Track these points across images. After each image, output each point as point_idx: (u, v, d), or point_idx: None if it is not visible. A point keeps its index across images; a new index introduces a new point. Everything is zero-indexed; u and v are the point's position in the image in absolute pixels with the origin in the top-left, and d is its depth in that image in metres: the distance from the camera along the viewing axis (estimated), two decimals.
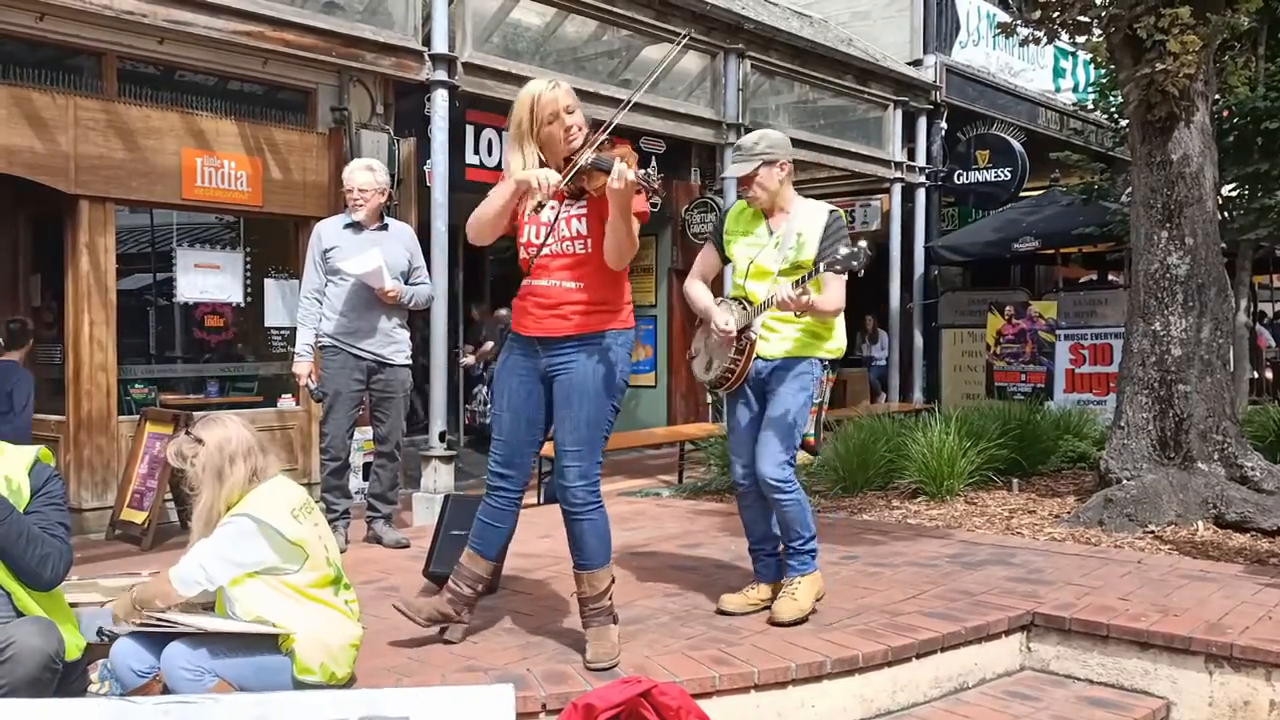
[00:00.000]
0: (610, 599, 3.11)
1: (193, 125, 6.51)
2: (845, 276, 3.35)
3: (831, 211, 3.50)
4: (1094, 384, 9.36)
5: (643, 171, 2.80)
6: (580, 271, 3.01)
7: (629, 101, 3.06)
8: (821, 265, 3.27)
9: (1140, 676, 3.39)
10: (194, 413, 6.17)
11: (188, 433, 2.80)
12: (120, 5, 5.54)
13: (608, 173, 2.82)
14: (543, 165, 2.98)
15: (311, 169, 7.04)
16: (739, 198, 3.65)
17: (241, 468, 2.73)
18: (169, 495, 6.09)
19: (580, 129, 3.00)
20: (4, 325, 6.12)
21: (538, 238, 3.05)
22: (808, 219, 3.47)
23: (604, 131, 2.99)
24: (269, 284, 7.08)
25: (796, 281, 3.28)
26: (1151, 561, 4.35)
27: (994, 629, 3.50)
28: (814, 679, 3.07)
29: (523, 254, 3.09)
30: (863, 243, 3.33)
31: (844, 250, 3.24)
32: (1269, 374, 11.53)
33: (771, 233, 3.51)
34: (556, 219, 3.03)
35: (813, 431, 3.53)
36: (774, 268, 3.44)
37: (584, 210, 3.03)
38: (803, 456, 3.65)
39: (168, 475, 5.91)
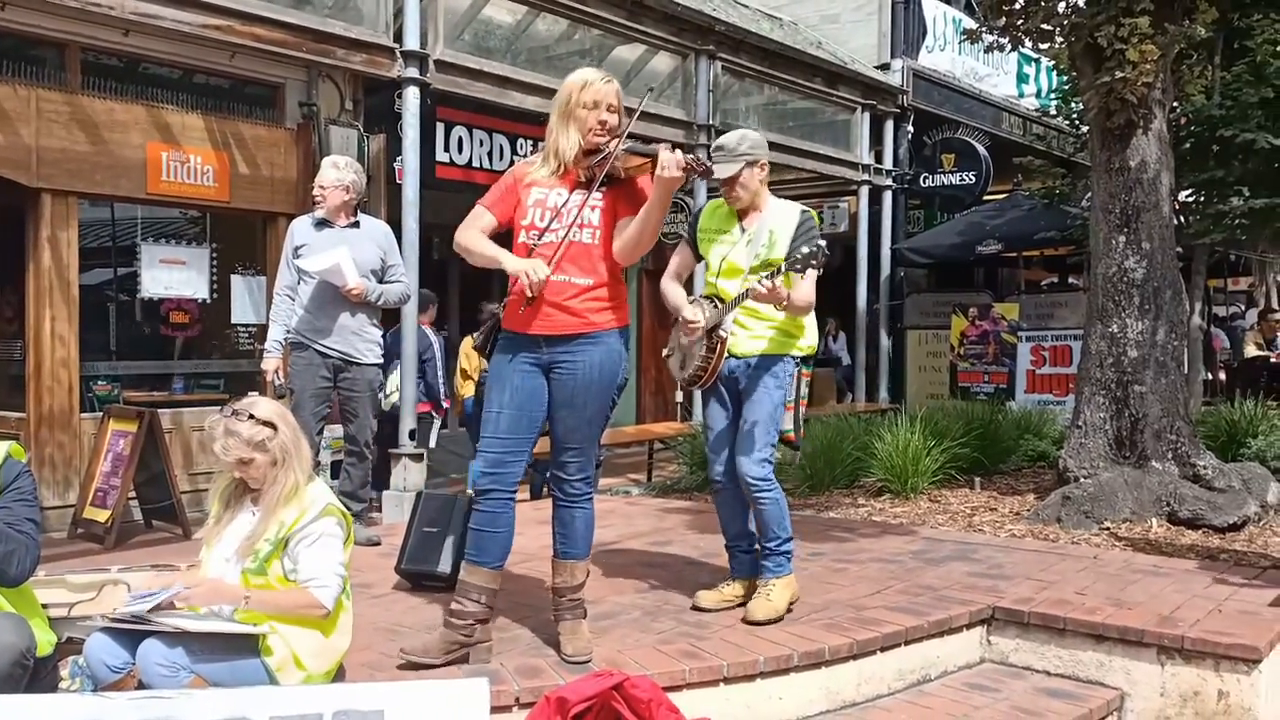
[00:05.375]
0: (582, 593, 3.14)
1: (158, 119, 6.44)
2: (814, 274, 3.41)
3: (804, 211, 3.56)
4: (1054, 385, 9.55)
5: (690, 156, 2.78)
6: (587, 265, 2.96)
7: (638, 110, 3.10)
8: (784, 265, 3.31)
9: (1095, 668, 3.49)
10: (159, 410, 6.13)
11: (236, 413, 2.62)
12: None
13: (647, 155, 2.80)
14: (584, 149, 2.94)
15: (279, 164, 6.99)
16: (717, 198, 3.68)
17: (304, 441, 2.70)
18: (132, 494, 6.02)
19: (612, 131, 2.97)
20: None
21: (542, 220, 2.95)
22: (780, 218, 3.52)
23: (628, 127, 2.97)
24: (236, 280, 7.01)
25: (770, 274, 3.31)
26: (1107, 557, 4.47)
27: (955, 623, 3.58)
28: (781, 672, 3.13)
29: (523, 237, 2.99)
30: (822, 241, 3.39)
31: (804, 249, 3.29)
32: (1222, 375, 11.81)
33: (744, 231, 3.55)
34: (566, 203, 2.95)
35: (792, 427, 3.58)
36: (745, 265, 3.49)
37: (600, 201, 2.97)
38: (786, 452, 3.70)
39: (131, 473, 5.85)
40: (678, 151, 2.80)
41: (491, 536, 3.04)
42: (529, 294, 2.87)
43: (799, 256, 3.28)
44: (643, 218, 2.91)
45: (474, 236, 3.03)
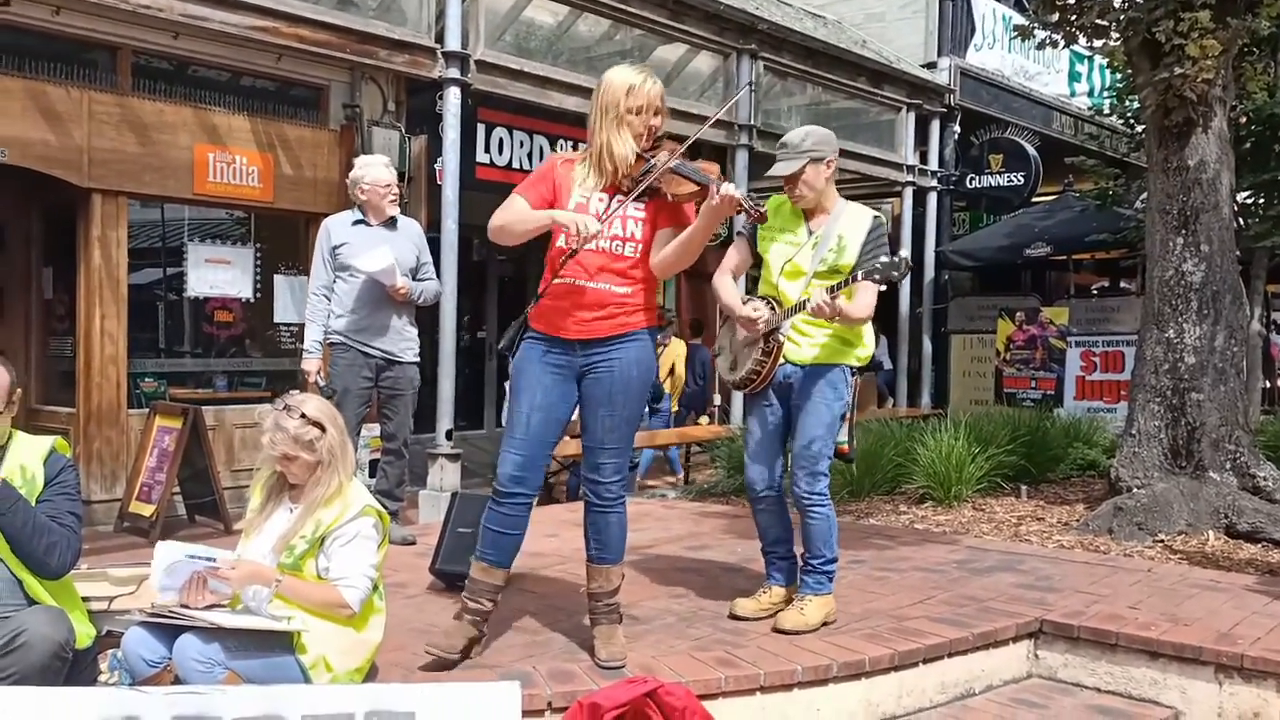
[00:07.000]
0: (618, 597, 3.10)
1: (206, 120, 6.53)
2: (880, 285, 3.27)
3: (876, 217, 3.41)
4: (1104, 391, 9.32)
5: (743, 192, 2.74)
6: (626, 277, 2.94)
7: (713, 119, 3.11)
8: (860, 274, 3.17)
9: (1149, 686, 3.37)
10: (203, 407, 6.22)
11: (288, 408, 2.60)
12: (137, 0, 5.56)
13: (698, 183, 2.76)
14: (637, 154, 2.89)
15: (323, 165, 7.06)
16: (780, 194, 3.56)
17: (350, 445, 2.69)
18: (177, 488, 6.11)
19: (654, 134, 2.94)
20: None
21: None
22: (851, 222, 3.37)
23: (688, 144, 2.94)
24: (279, 280, 7.10)
25: (832, 288, 3.20)
26: (1161, 571, 4.32)
27: (1001, 635, 3.48)
28: (820, 682, 3.05)
29: (561, 242, 2.93)
30: (904, 253, 3.25)
31: (884, 259, 3.16)
32: None
33: (811, 233, 3.40)
34: (611, 215, 2.91)
35: (846, 439, 3.48)
36: (810, 269, 3.35)
37: (641, 214, 2.93)
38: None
39: (175, 468, 5.93)
40: (729, 185, 2.73)
41: (511, 538, 3.04)
42: (574, 246, 2.83)
43: (878, 267, 3.14)
44: (685, 240, 2.86)
45: (510, 213, 2.98)
